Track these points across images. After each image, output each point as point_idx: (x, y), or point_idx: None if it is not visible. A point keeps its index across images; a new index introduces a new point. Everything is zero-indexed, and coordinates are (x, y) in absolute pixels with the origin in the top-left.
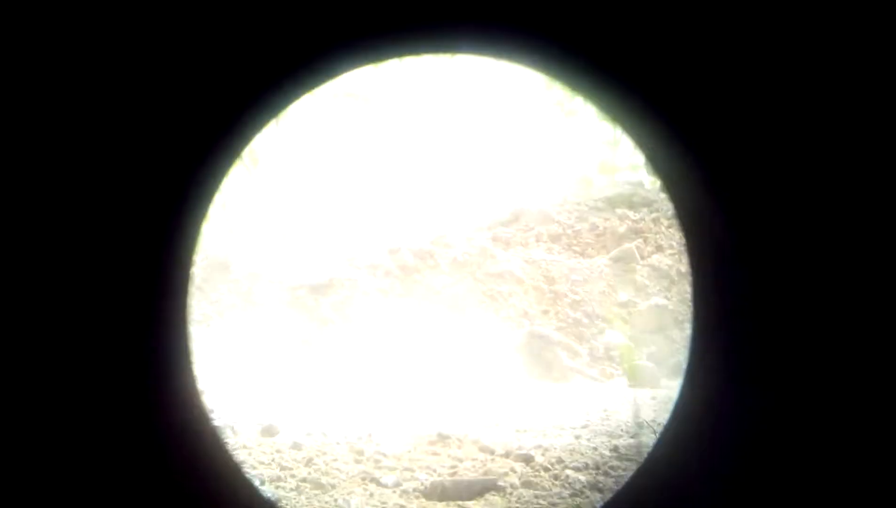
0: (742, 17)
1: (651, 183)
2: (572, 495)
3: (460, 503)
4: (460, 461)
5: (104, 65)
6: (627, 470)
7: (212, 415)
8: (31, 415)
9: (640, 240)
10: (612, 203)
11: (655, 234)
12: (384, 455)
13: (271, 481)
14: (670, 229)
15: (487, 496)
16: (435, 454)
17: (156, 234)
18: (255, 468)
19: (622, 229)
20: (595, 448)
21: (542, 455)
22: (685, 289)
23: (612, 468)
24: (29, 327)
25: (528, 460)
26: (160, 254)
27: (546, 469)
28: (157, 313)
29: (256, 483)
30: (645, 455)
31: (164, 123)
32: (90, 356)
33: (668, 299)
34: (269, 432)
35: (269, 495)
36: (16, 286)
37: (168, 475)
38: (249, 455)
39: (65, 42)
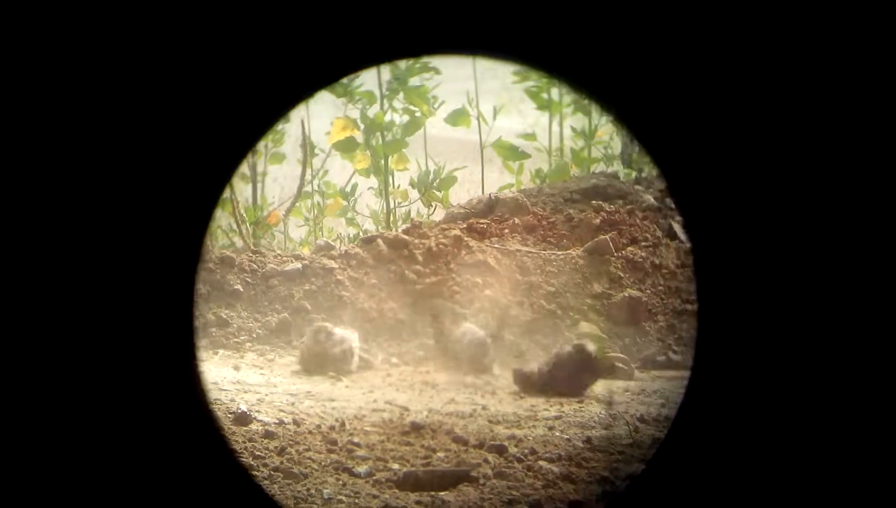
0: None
1: (625, 175)
2: (545, 486)
3: (433, 493)
4: (433, 451)
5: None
6: (600, 462)
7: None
8: (33, 407)
9: (615, 232)
10: (587, 195)
11: (630, 226)
12: (357, 446)
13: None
14: (645, 222)
15: (461, 486)
16: (408, 444)
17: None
18: None
19: (597, 220)
20: (568, 440)
21: (516, 446)
22: (659, 281)
23: (584, 459)
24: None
25: (501, 451)
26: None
27: (519, 461)
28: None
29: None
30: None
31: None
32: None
33: (642, 292)
34: (241, 421)
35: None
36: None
37: (168, 464)
38: None
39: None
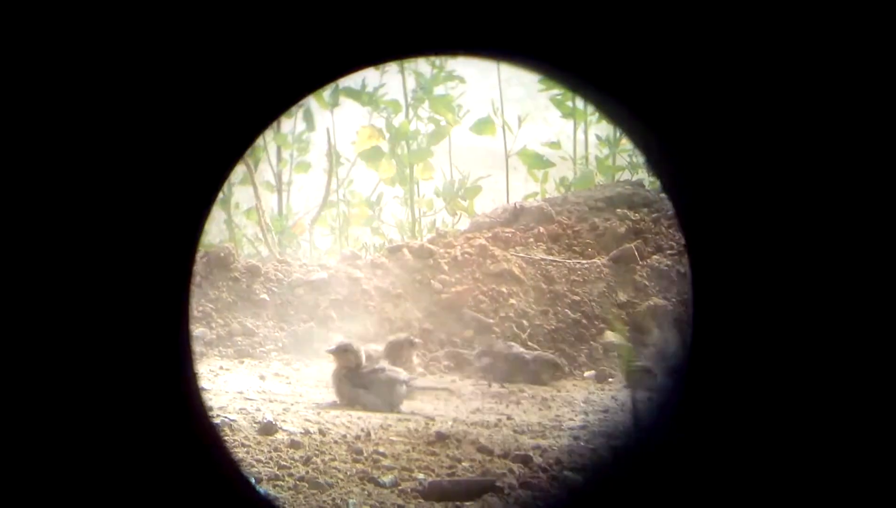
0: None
1: (651, 184)
2: (570, 496)
3: (458, 503)
4: (459, 461)
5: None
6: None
7: (210, 413)
8: (31, 411)
9: (640, 241)
10: (612, 203)
11: (655, 234)
12: (382, 456)
13: (269, 480)
14: (670, 230)
15: (486, 496)
16: (433, 454)
17: (176, 231)
18: (252, 466)
19: (622, 229)
20: (594, 450)
21: (541, 456)
22: (685, 290)
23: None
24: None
25: (526, 461)
26: (172, 250)
27: (544, 470)
28: (164, 309)
29: (252, 481)
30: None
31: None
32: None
33: (668, 300)
34: (266, 430)
35: (263, 493)
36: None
37: (166, 472)
38: (247, 453)
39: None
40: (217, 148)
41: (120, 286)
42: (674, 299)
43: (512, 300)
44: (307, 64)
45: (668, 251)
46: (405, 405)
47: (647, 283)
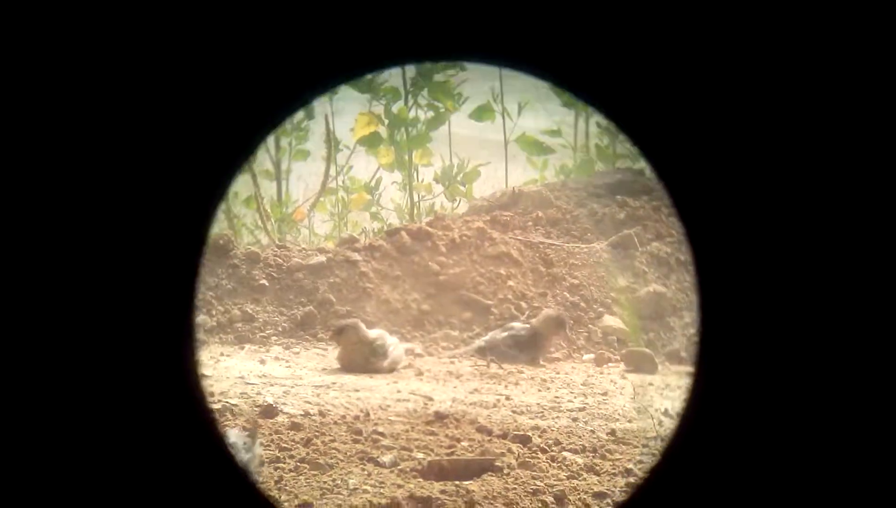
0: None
1: (652, 172)
2: (569, 477)
3: (458, 482)
4: (458, 441)
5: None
6: (624, 455)
7: (210, 399)
8: (28, 406)
9: (640, 227)
10: (611, 190)
11: (655, 222)
12: (382, 436)
13: (271, 462)
14: (670, 218)
15: (485, 476)
16: (432, 433)
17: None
18: None
19: (621, 215)
20: (592, 431)
21: (540, 436)
22: (684, 278)
23: (608, 451)
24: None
25: (525, 441)
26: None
27: (543, 451)
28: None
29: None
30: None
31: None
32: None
33: (667, 287)
34: (267, 413)
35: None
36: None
37: (171, 462)
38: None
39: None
40: (224, 146)
41: (130, 280)
42: (673, 287)
43: (510, 282)
44: (312, 67)
45: (668, 239)
46: (405, 385)
47: (646, 269)
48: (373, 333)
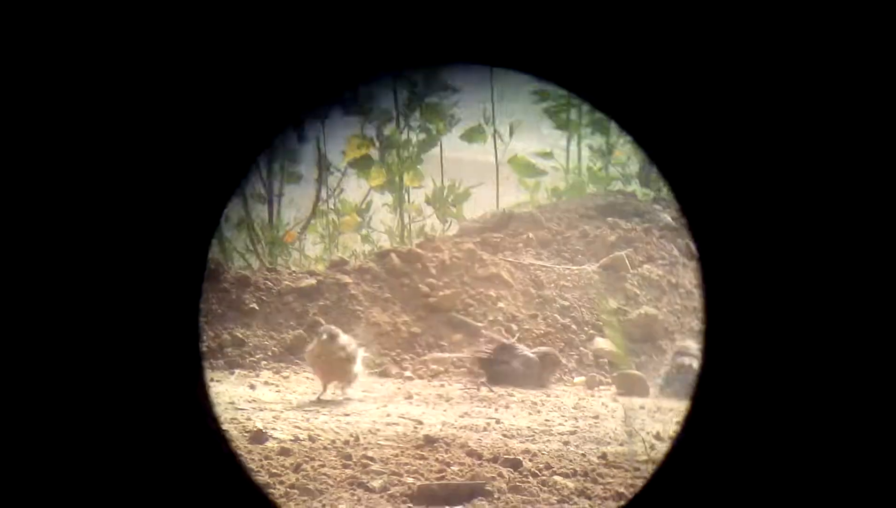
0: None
1: (643, 195)
2: (560, 501)
3: (448, 507)
4: (448, 465)
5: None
6: (615, 478)
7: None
8: (38, 420)
9: (631, 249)
10: (603, 212)
11: (647, 244)
12: (371, 460)
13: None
14: (662, 240)
15: (475, 501)
16: (422, 458)
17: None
18: None
19: (613, 237)
20: (584, 455)
21: (530, 460)
22: (676, 300)
23: (600, 475)
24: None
25: (515, 465)
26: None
27: (534, 475)
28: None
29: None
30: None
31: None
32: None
33: (659, 310)
34: (257, 439)
35: None
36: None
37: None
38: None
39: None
40: (225, 168)
41: (125, 299)
42: (665, 309)
43: (501, 304)
44: (305, 81)
45: (660, 261)
46: (394, 408)
47: (637, 292)
48: (343, 338)
